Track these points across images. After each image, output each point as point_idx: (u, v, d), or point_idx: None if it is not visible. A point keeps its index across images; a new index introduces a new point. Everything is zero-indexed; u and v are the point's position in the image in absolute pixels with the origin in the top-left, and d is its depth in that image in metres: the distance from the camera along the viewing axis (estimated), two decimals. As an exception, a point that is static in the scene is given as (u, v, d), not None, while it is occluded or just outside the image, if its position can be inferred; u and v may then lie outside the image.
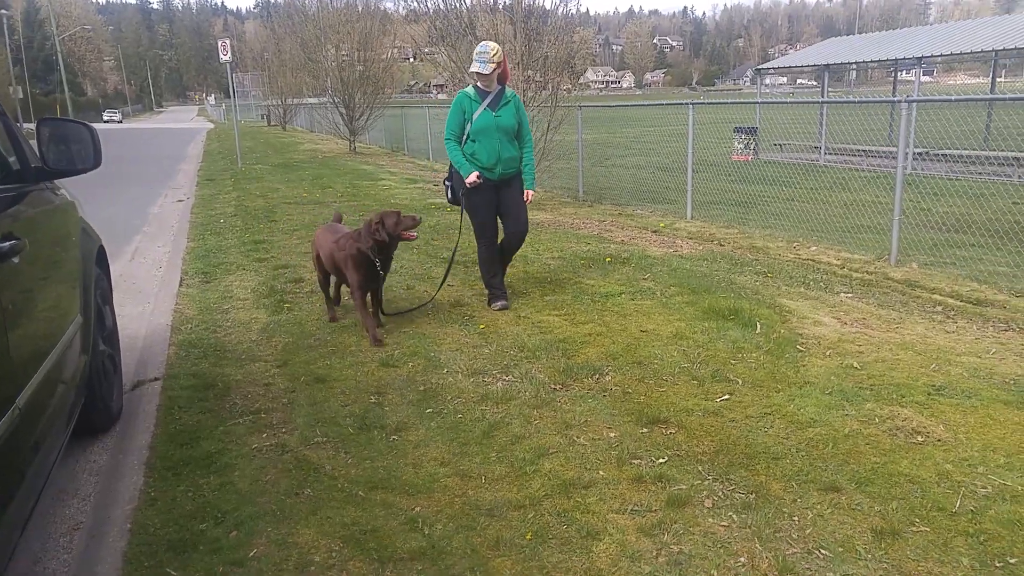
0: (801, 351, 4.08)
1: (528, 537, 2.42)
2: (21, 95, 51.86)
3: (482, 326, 4.71)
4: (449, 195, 5.24)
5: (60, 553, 2.44)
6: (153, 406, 3.56)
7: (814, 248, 6.94)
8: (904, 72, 18.53)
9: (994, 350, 4.06)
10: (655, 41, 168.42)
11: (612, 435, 3.16)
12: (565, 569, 2.26)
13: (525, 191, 5.10)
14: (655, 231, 8.04)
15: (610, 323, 4.69)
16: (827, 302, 5.13)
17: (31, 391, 2.05)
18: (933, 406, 3.32)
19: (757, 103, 15.46)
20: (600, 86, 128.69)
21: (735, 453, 2.95)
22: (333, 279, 4.95)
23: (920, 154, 13.02)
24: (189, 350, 4.36)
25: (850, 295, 5.32)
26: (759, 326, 4.47)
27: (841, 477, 2.74)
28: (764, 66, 21.34)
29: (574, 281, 5.71)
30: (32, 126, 2.98)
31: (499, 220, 5.15)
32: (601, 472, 2.84)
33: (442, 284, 5.37)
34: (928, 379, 3.64)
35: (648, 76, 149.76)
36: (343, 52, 20.47)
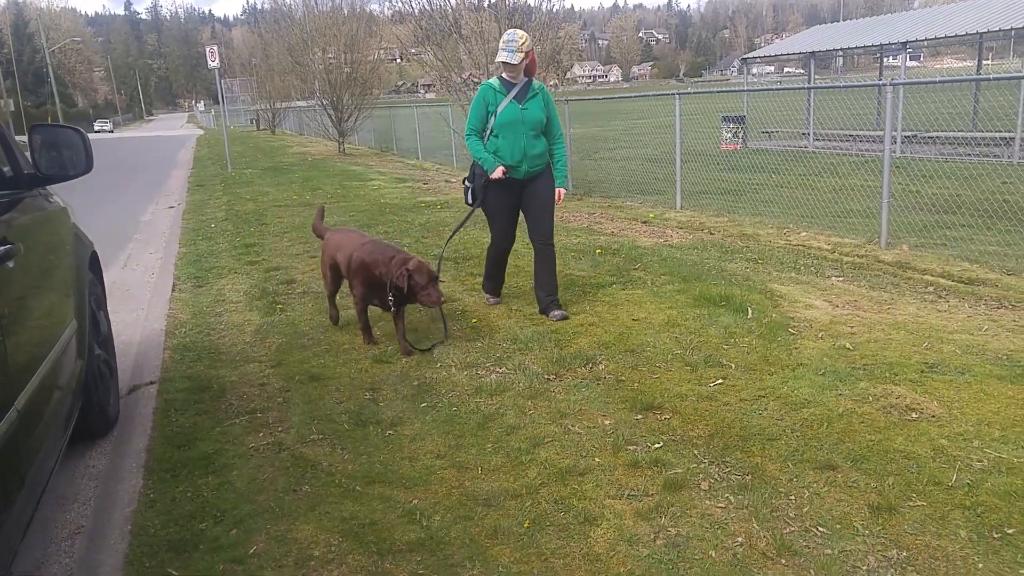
0: (793, 334, 4.10)
1: (526, 525, 2.43)
2: (12, 107, 51.63)
3: (475, 320, 4.71)
4: (469, 197, 4.80)
5: (62, 557, 2.44)
6: (149, 409, 3.55)
7: (804, 234, 6.97)
8: (891, 58, 18.60)
9: (986, 327, 4.09)
10: (641, 35, 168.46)
11: (607, 422, 3.17)
12: (563, 555, 2.27)
13: (556, 189, 4.72)
14: (645, 222, 8.06)
15: (602, 313, 4.70)
16: (818, 286, 5.15)
17: (28, 394, 2.05)
18: (927, 383, 3.35)
19: (743, 91, 15.51)
20: (587, 81, 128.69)
21: (730, 436, 2.97)
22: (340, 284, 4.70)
23: (909, 137, 13.07)
24: (184, 353, 4.36)
25: (841, 278, 5.35)
26: (751, 311, 4.49)
27: (836, 456, 2.76)
28: (750, 55, 21.38)
29: (565, 273, 5.71)
30: (24, 138, 2.98)
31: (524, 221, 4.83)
32: (597, 459, 2.86)
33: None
34: (921, 357, 3.66)
35: (635, 69, 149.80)
36: (330, 55, 20.45)
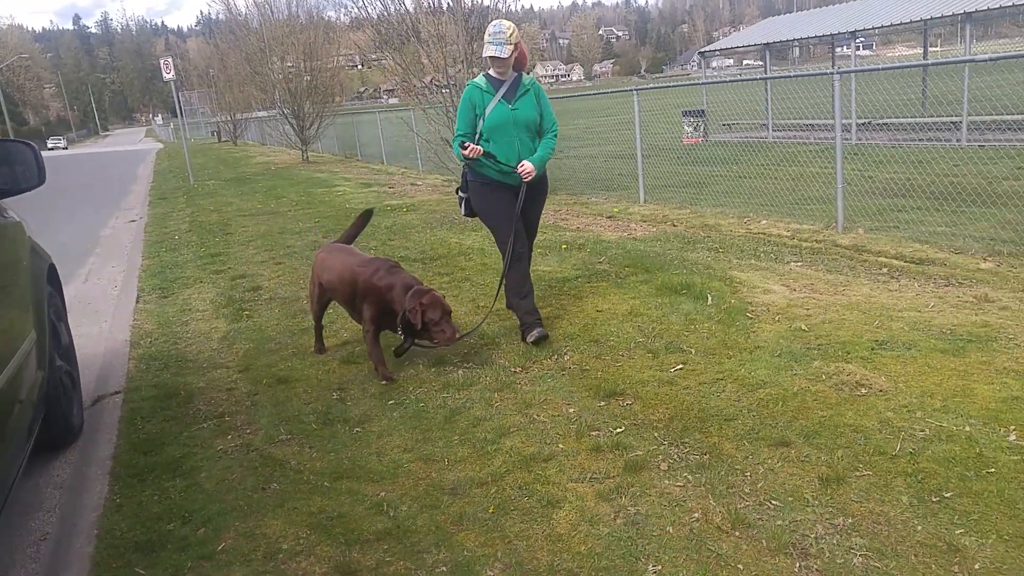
0: (751, 318, 4.22)
1: (490, 511, 2.50)
2: (-38, 129, 50.30)
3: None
4: (464, 208, 4.44)
5: (28, 563, 2.45)
6: (115, 418, 3.55)
7: (764, 222, 7.13)
8: (845, 47, 19.03)
9: (933, 304, 4.25)
10: (601, 32, 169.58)
11: (571, 410, 3.25)
12: (526, 537, 2.34)
13: (524, 162, 4.09)
14: (609, 217, 8.17)
15: (567, 306, 4.78)
16: (777, 271, 5.29)
17: None
18: (876, 360, 3.48)
19: (698, 84, 15.74)
20: (550, 81, 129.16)
21: (689, 418, 3.06)
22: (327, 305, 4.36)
23: (863, 124, 13.40)
24: (150, 363, 4.34)
25: (800, 263, 5.49)
26: (710, 298, 4.60)
27: (790, 432, 2.87)
28: (706, 49, 21.71)
29: (531, 269, 5.77)
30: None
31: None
32: (560, 445, 2.93)
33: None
34: (872, 335, 3.80)
35: (597, 67, 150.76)
36: (288, 63, 20.32)
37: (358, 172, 16.24)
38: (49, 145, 62.13)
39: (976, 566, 2.03)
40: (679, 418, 3.07)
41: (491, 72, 4.18)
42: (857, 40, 16.26)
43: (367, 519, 2.51)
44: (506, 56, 4.00)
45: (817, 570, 2.09)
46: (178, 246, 8.30)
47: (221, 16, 34.52)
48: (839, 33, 16.26)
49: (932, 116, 13.26)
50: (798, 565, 2.11)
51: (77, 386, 3.58)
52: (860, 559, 2.11)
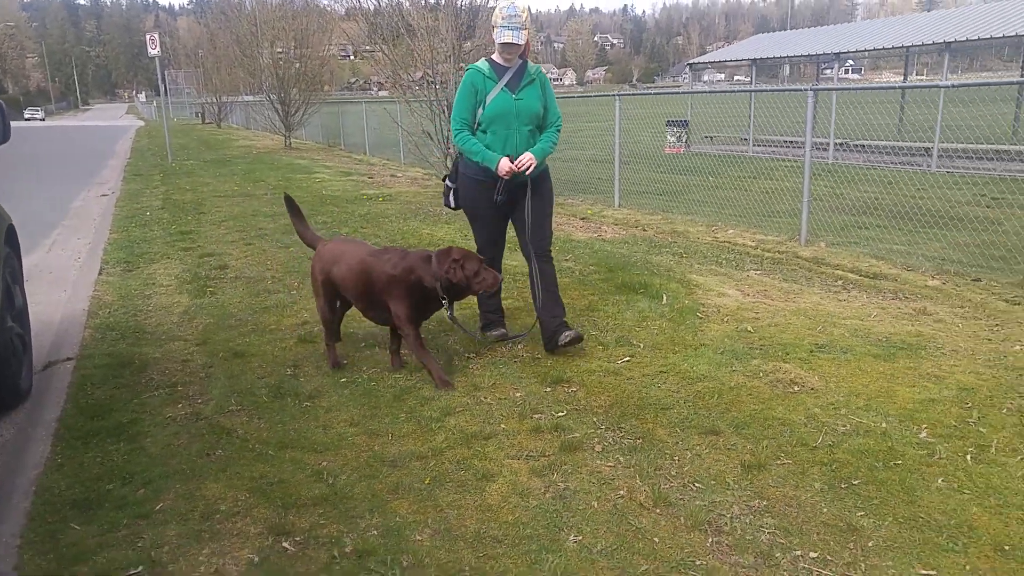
0: (701, 318, 4.35)
1: (427, 482, 2.59)
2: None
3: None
4: (451, 200, 4.12)
5: (-38, 516, 2.48)
6: (65, 383, 3.58)
7: (731, 231, 7.28)
8: (833, 69, 19.37)
9: (875, 314, 4.40)
10: (596, 39, 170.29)
11: (518, 395, 3.35)
12: (458, 506, 2.43)
13: (527, 153, 3.76)
14: (583, 218, 8.29)
15: (528, 298, 4.86)
16: (734, 277, 5.43)
17: None
18: (813, 361, 3.61)
19: (678, 93, 15.99)
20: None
21: (628, 405, 3.17)
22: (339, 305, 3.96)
23: (840, 144, 13.68)
24: (106, 332, 4.37)
25: (759, 271, 5.64)
26: (665, 298, 4.72)
27: (721, 422, 2.99)
28: (695, 61, 21.99)
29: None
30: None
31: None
32: (503, 425, 3.02)
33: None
34: (813, 339, 3.94)
35: (589, 73, 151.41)
36: (278, 49, 20.23)
37: (340, 161, 16.24)
38: (26, 116, 61.23)
39: (870, 544, 2.16)
40: (619, 405, 3.18)
41: (495, 57, 3.82)
42: (846, 64, 16.60)
43: (306, 485, 2.58)
44: (522, 43, 3.68)
45: (727, 545, 2.20)
46: (149, 222, 8.28)
47: (215, -4, 34.24)
48: (824, 54, 16.58)
49: (906, 141, 13.59)
50: (711, 540, 2.22)
51: (28, 350, 3.60)
52: (767, 536, 2.23)
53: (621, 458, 2.73)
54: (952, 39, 13.45)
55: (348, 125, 20.04)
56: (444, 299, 3.56)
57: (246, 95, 29.00)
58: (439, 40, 10.15)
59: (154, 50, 15.47)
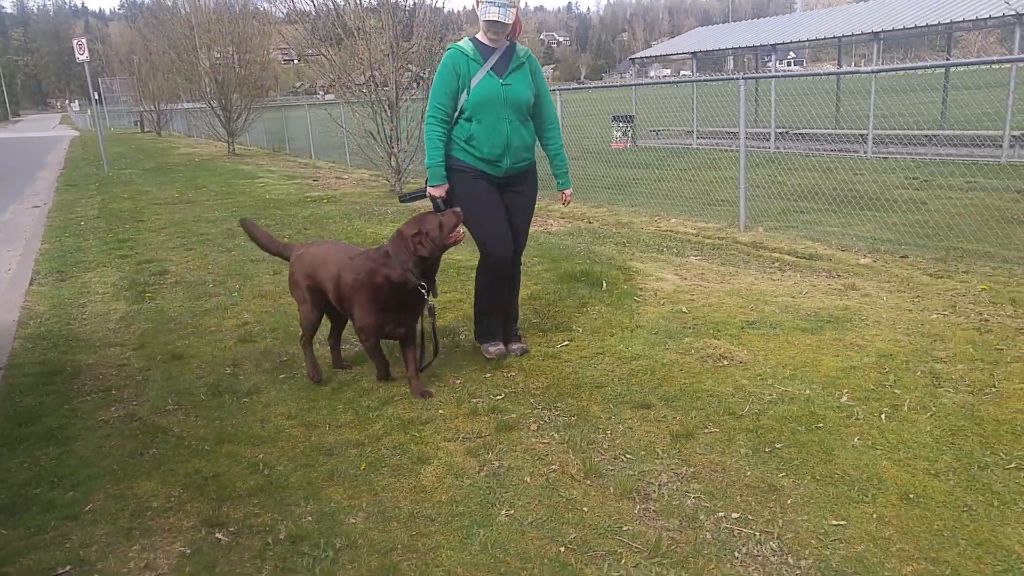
0: (638, 302, 4.45)
1: (363, 468, 2.61)
2: None
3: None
4: (402, 194, 3.84)
5: None
6: (-7, 393, 3.49)
7: (674, 220, 7.44)
8: (778, 61, 19.85)
9: (806, 291, 4.56)
10: (542, 37, 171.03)
11: (457, 382, 3.39)
12: (393, 490, 2.46)
13: (562, 192, 3.77)
14: (528, 212, 8.35)
15: (470, 290, 4.90)
16: (674, 263, 5.56)
17: None
18: (743, 337, 3.74)
19: (620, 87, 16.20)
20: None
21: (565, 386, 3.24)
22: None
23: (781, 133, 14.05)
24: (37, 342, 4.26)
25: (698, 257, 5.78)
26: (605, 284, 4.81)
27: (653, 397, 3.08)
28: (637, 55, 22.31)
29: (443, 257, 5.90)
30: None
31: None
32: (441, 411, 3.06)
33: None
34: (744, 317, 4.07)
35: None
36: (216, 53, 19.82)
37: (284, 165, 16.02)
38: None
39: (788, 501, 2.27)
40: (556, 386, 3.25)
41: (480, 36, 3.45)
42: (788, 56, 17.04)
43: (241, 478, 2.58)
44: (510, 21, 3.34)
45: (654, 511, 2.28)
46: (83, 232, 8.06)
47: (146, 0, 33.41)
48: (762, 46, 16.99)
49: (843, 129, 14.04)
50: (638, 507, 2.30)
51: (-46, 359, 3.50)
52: (693, 500, 2.31)
53: (555, 435, 2.79)
54: (880, 28, 13.95)
55: (293, 129, 19.76)
56: (423, 287, 3.14)
57: (186, 102, 28.35)
58: (382, 40, 10.11)
59: (82, 56, 14.97)
